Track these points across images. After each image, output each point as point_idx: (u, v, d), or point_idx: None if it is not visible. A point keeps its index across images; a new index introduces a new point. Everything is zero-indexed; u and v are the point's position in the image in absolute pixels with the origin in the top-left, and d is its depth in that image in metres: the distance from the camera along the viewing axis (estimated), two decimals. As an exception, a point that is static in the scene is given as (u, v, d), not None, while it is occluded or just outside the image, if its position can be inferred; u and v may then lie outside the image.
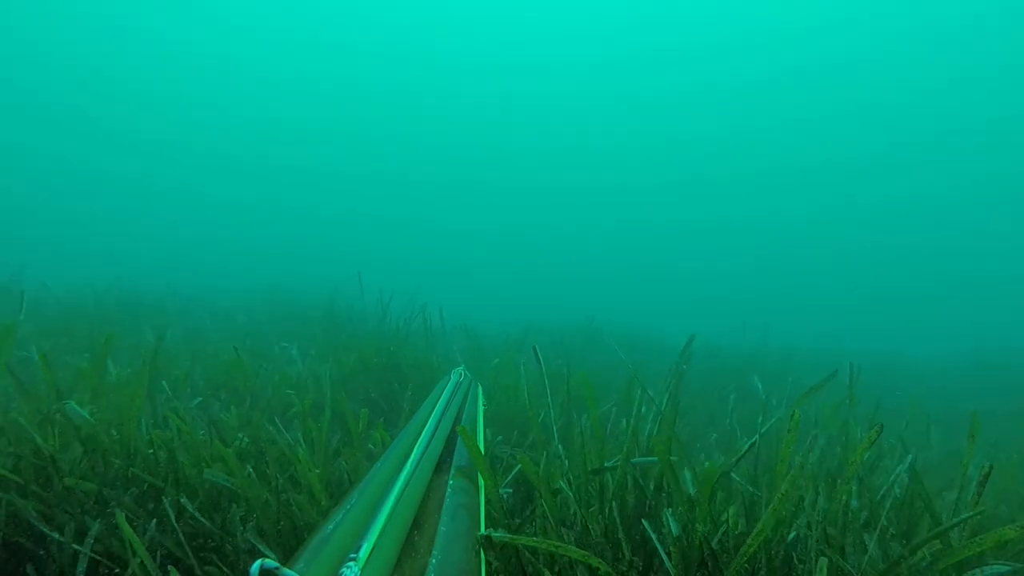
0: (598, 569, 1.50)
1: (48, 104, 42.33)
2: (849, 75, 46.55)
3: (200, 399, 3.90)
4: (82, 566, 1.84)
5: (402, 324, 6.71)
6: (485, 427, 3.71)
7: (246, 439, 2.81)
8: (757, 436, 2.41)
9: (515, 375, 4.70)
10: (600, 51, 52.21)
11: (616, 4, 51.42)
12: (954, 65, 44.24)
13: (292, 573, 0.77)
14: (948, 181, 44.23)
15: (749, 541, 1.58)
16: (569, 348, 7.78)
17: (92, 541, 1.88)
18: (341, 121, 51.03)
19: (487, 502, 1.63)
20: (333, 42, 52.28)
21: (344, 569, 0.85)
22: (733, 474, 2.55)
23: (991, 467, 1.81)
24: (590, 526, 1.97)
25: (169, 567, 1.71)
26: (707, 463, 1.66)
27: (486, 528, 1.38)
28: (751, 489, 2.41)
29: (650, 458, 2.21)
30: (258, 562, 0.75)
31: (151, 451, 2.40)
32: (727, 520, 1.99)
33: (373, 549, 0.95)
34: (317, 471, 2.25)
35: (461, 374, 2.62)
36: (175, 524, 1.98)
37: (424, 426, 1.68)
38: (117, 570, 1.99)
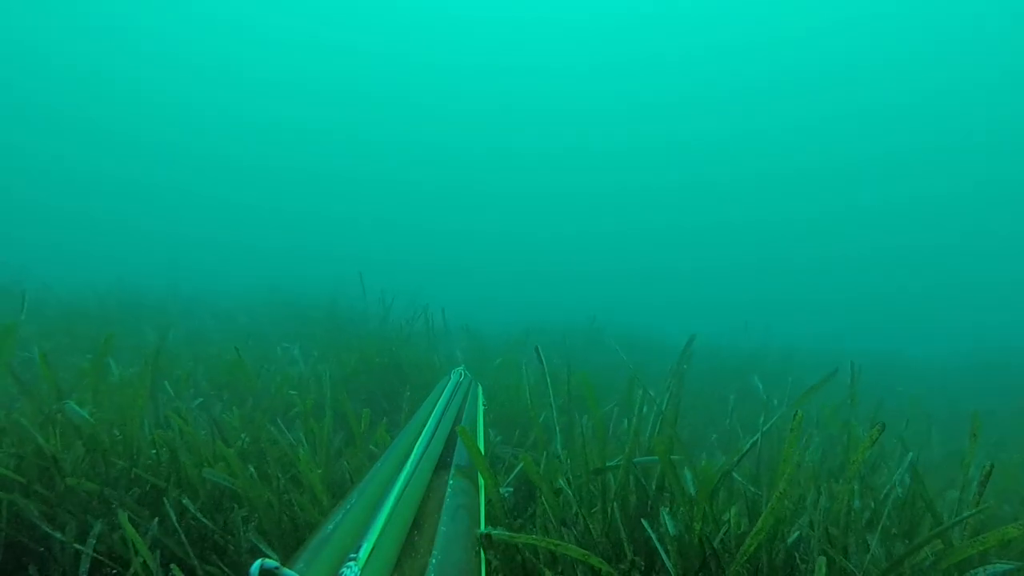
0: (599, 569, 1.50)
1: (49, 107, 42.42)
2: (849, 78, 46.57)
3: (201, 399, 3.91)
4: (85, 566, 1.84)
5: (404, 324, 6.71)
6: (487, 427, 3.71)
7: (248, 439, 2.81)
8: (759, 435, 2.40)
9: (517, 375, 4.70)
10: (602, 53, 52.27)
11: (617, 7, 51.45)
12: (953, 68, 44.26)
13: (292, 573, 0.77)
14: (948, 183, 44.23)
15: (749, 540, 1.58)
16: (571, 348, 7.77)
17: (94, 541, 1.88)
18: (343, 123, 51.11)
19: (487, 502, 1.63)
20: (335, 44, 52.35)
21: (344, 569, 0.86)
22: (735, 474, 2.55)
23: (992, 466, 1.81)
24: (591, 526, 1.97)
25: (172, 565, 1.71)
26: (703, 462, 1.66)
27: (486, 527, 1.38)
28: (753, 489, 2.41)
29: (651, 458, 2.21)
30: (258, 562, 0.75)
31: (154, 451, 2.40)
32: (729, 520, 1.99)
33: (373, 549, 0.95)
34: (319, 471, 2.25)
35: (461, 374, 2.62)
36: (177, 526, 1.98)
37: (424, 426, 1.68)
38: (117, 569, 1.99)
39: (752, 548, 1.58)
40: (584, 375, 2.51)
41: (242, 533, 2.05)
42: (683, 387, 2.52)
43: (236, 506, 2.20)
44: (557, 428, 2.68)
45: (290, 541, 2.14)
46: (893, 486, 2.26)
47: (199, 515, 2.09)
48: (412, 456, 1.42)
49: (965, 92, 43.87)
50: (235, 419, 3.17)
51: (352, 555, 0.90)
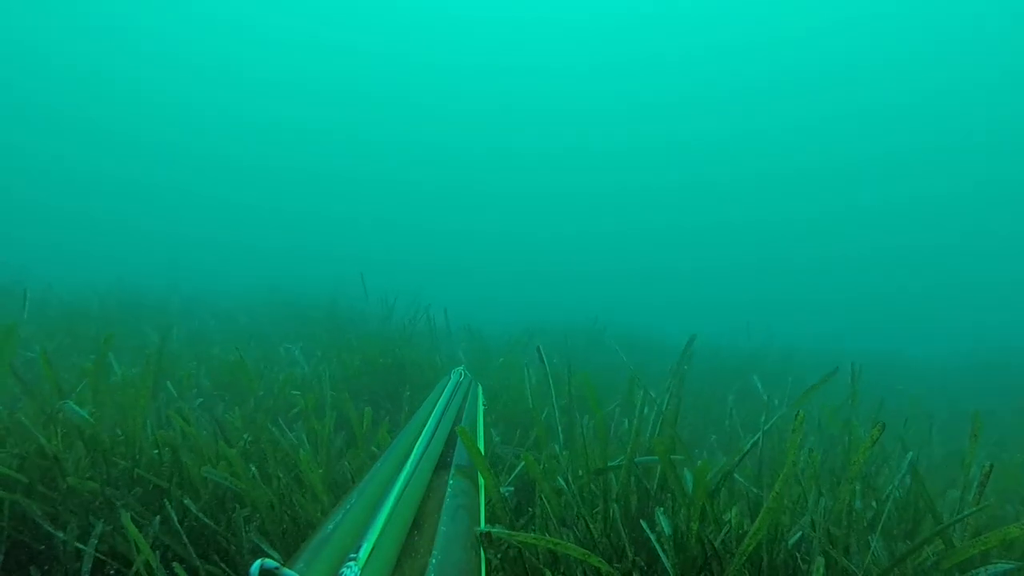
0: (600, 569, 1.50)
1: (49, 107, 42.45)
2: (849, 78, 46.58)
3: (204, 400, 3.91)
4: (87, 565, 1.84)
5: (406, 324, 6.72)
6: (489, 427, 3.71)
7: (250, 439, 2.81)
8: (759, 435, 2.40)
9: (519, 375, 4.70)
10: (602, 53, 52.26)
11: (617, 7, 51.45)
12: (952, 68, 44.24)
13: (292, 573, 0.77)
14: (948, 183, 44.24)
15: (747, 540, 1.58)
16: (572, 349, 7.78)
17: (96, 541, 1.89)
18: (343, 123, 51.13)
19: (488, 502, 1.63)
20: (335, 44, 52.36)
21: (344, 569, 0.86)
22: (737, 476, 2.55)
23: (991, 467, 1.81)
24: (591, 526, 1.97)
25: (174, 563, 1.71)
26: (700, 462, 1.66)
27: (486, 526, 1.38)
28: (755, 490, 2.41)
29: (651, 458, 2.21)
30: (258, 562, 0.75)
31: (156, 451, 2.40)
32: (730, 520, 1.99)
33: (373, 549, 0.95)
34: (320, 471, 2.25)
35: (461, 373, 2.62)
36: (178, 526, 1.98)
37: (424, 426, 1.68)
38: (116, 566, 1.99)
39: (751, 548, 1.58)
40: (585, 376, 2.51)
41: (244, 533, 2.05)
42: (684, 387, 2.52)
43: (238, 506, 2.20)
44: (560, 428, 2.68)
45: (292, 541, 2.14)
46: (895, 487, 2.26)
47: (201, 515, 2.09)
48: (412, 456, 1.42)
49: (964, 92, 43.88)
50: (237, 419, 3.17)
51: (352, 555, 0.90)
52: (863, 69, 46.23)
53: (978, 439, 2.08)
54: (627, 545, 1.94)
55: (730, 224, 43.91)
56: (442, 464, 1.61)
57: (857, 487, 2.20)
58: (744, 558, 1.59)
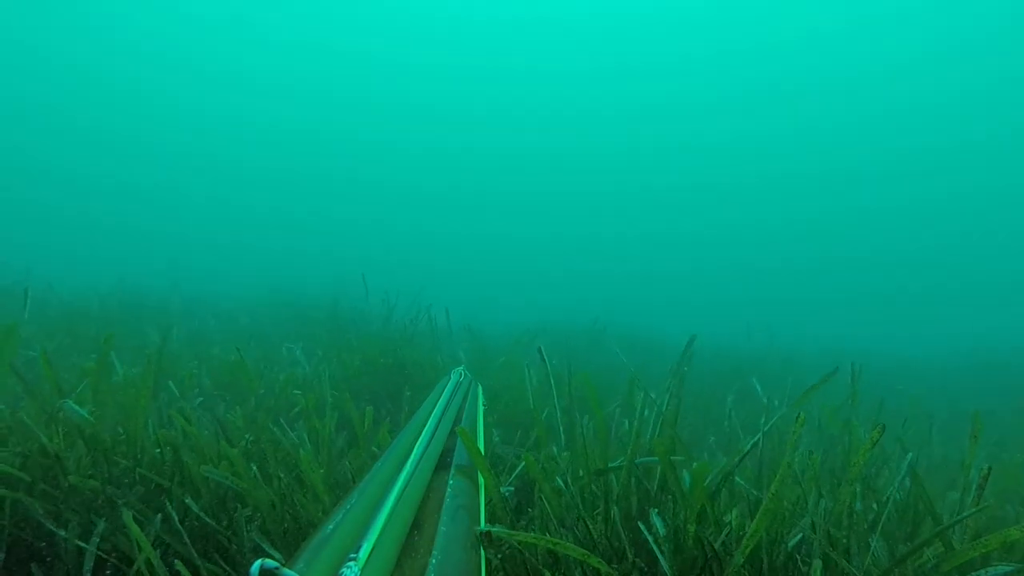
0: (599, 570, 1.50)
1: (52, 110, 42.48)
2: (851, 81, 46.61)
3: (204, 399, 3.92)
4: (89, 564, 1.85)
5: (408, 325, 6.73)
6: (491, 427, 3.72)
7: (252, 439, 2.82)
8: (759, 436, 2.40)
9: (519, 375, 4.71)
10: (605, 56, 52.28)
11: (620, 10, 51.46)
12: (954, 71, 44.24)
13: (292, 573, 0.77)
14: (949, 185, 44.25)
15: (745, 541, 1.58)
16: (573, 349, 7.78)
17: (98, 539, 1.89)
18: (347, 126, 51.16)
19: (488, 502, 1.63)
20: (338, 47, 52.39)
21: (344, 569, 0.86)
22: (738, 478, 2.54)
23: (990, 469, 1.81)
24: (591, 527, 1.97)
25: (175, 561, 1.72)
26: (695, 464, 1.66)
27: (486, 526, 1.39)
28: (756, 493, 2.41)
29: (651, 458, 2.21)
30: (258, 562, 0.75)
31: (157, 450, 2.41)
32: (731, 522, 1.99)
33: (373, 549, 0.96)
34: (321, 471, 2.25)
35: (461, 374, 2.62)
36: (179, 526, 1.99)
37: (424, 426, 1.69)
38: (121, 567, 2.00)
39: (749, 549, 1.58)
40: (586, 376, 2.51)
41: (245, 533, 2.05)
42: (684, 388, 2.52)
43: (240, 506, 2.21)
44: (561, 429, 2.68)
45: (293, 540, 2.14)
46: (895, 488, 2.26)
47: (202, 515, 2.10)
48: (412, 456, 1.42)
49: (965, 95, 43.86)
50: (239, 419, 3.18)
51: (352, 555, 0.90)
52: (865, 72, 46.28)
53: (978, 440, 2.08)
54: (627, 547, 1.94)
55: (732, 225, 43.92)
56: (442, 464, 1.61)
57: (857, 488, 2.20)
58: (743, 560, 1.59)
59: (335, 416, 2.81)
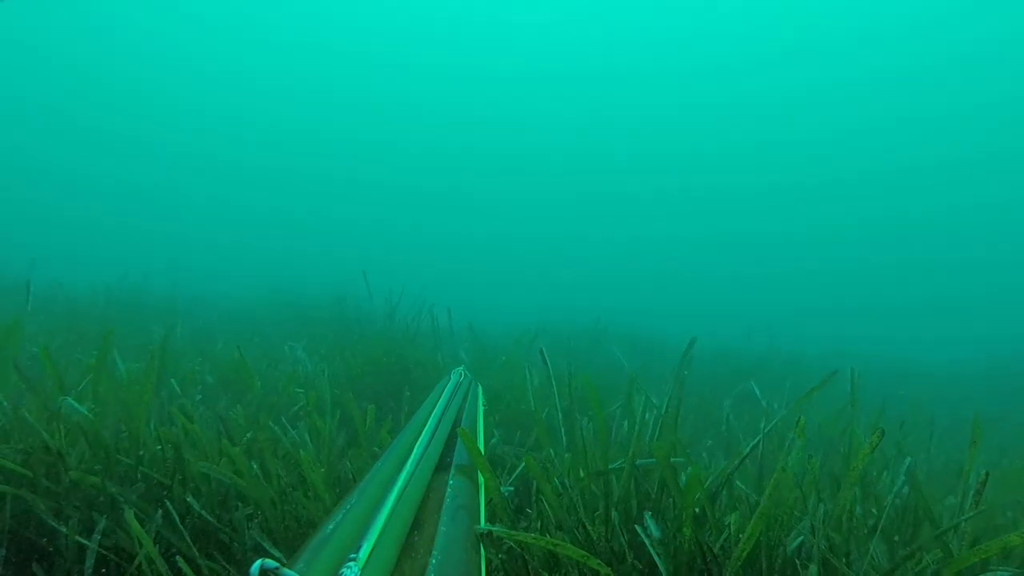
0: (598, 572, 1.51)
1: (52, 111, 42.56)
2: (860, 90, 46.61)
3: (207, 397, 3.93)
4: (90, 560, 1.86)
5: (411, 324, 6.74)
6: (492, 429, 3.72)
7: (253, 437, 2.83)
8: (759, 438, 2.41)
9: (521, 375, 4.71)
10: (611, 60, 52.26)
11: (625, 14, 51.49)
12: (967, 80, 44.19)
13: (292, 573, 0.78)
14: (953, 190, 44.30)
15: (741, 544, 1.58)
16: (575, 349, 7.79)
17: (99, 536, 1.90)
18: (351, 126, 51.17)
19: (488, 502, 1.64)
20: (341, 47, 52.43)
21: (344, 569, 0.86)
22: (738, 482, 2.55)
23: (987, 474, 1.82)
24: (590, 528, 1.97)
25: (177, 557, 1.73)
26: (690, 468, 1.67)
27: (486, 525, 1.39)
28: (756, 497, 2.41)
29: (650, 460, 2.21)
30: (258, 562, 0.76)
31: (159, 447, 2.42)
32: (730, 525, 1.99)
33: (373, 549, 0.96)
34: (322, 470, 2.26)
35: (461, 374, 2.62)
36: (180, 524, 1.99)
37: (424, 426, 1.69)
38: (114, 558, 2.01)
39: (745, 552, 1.58)
40: (587, 378, 2.52)
41: (247, 531, 2.06)
42: (685, 390, 2.52)
43: (241, 504, 2.22)
44: (563, 431, 2.69)
45: (293, 538, 2.15)
46: (895, 493, 2.26)
47: (203, 513, 2.10)
48: (412, 456, 1.42)
49: (976, 104, 43.83)
50: (240, 416, 3.18)
51: (352, 555, 0.91)
52: (874, 81, 46.29)
53: (978, 446, 2.08)
54: (626, 549, 1.95)
55: (735, 228, 43.84)
56: (442, 464, 1.61)
57: (857, 492, 2.21)
58: (739, 563, 1.59)
59: (337, 414, 2.82)
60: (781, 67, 49.42)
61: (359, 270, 7.22)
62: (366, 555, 0.93)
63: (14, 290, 6.97)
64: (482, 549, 1.29)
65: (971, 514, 1.78)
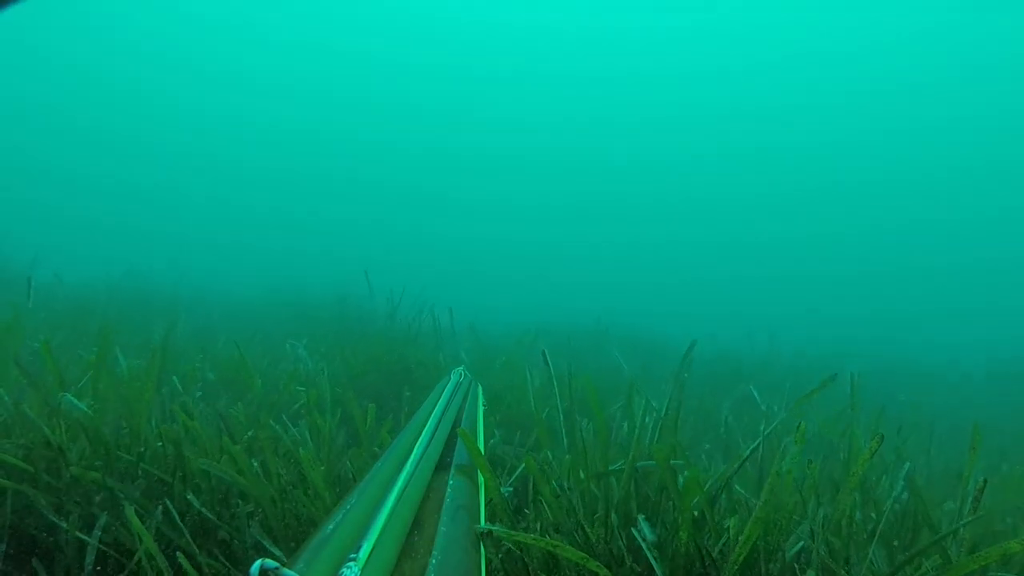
0: (597, 573, 1.51)
1: (50, 109, 42.58)
2: (864, 95, 46.61)
3: (204, 393, 3.93)
4: (91, 556, 1.86)
5: (412, 324, 6.74)
6: (493, 429, 3.72)
7: (253, 435, 2.83)
8: (759, 441, 2.41)
9: (521, 375, 4.72)
10: (616, 63, 52.26)
11: (631, 17, 51.49)
12: (977, 87, 44.16)
13: (292, 573, 0.78)
14: (955, 195, 44.29)
15: (738, 548, 1.58)
16: (577, 350, 7.79)
17: (100, 532, 1.91)
18: (348, 126, 51.12)
19: (488, 502, 1.64)
20: (344, 48, 52.42)
21: (344, 569, 0.86)
22: (737, 486, 2.54)
23: (986, 481, 1.82)
24: (588, 530, 1.97)
25: (177, 553, 1.73)
26: (687, 471, 1.67)
27: (486, 525, 1.39)
28: (756, 500, 2.41)
29: (649, 462, 2.21)
30: (258, 562, 0.76)
31: (160, 444, 2.42)
32: (729, 528, 1.99)
33: (373, 549, 0.96)
34: (322, 469, 2.26)
35: (461, 374, 2.62)
36: (179, 522, 2.00)
37: (424, 426, 1.69)
38: (114, 553, 2.01)
39: (742, 556, 1.58)
40: (588, 379, 2.52)
41: (247, 529, 2.07)
42: (686, 392, 2.52)
43: (241, 502, 2.22)
44: (564, 432, 2.69)
45: (293, 536, 2.16)
46: (894, 498, 2.26)
47: (204, 510, 2.11)
48: (412, 456, 1.42)
49: (977, 110, 43.82)
50: (241, 414, 3.19)
51: (352, 555, 0.91)
52: (883, 88, 46.32)
53: (978, 451, 2.08)
54: (625, 552, 1.95)
55: (742, 232, 43.78)
56: (442, 464, 1.61)
57: (857, 497, 2.21)
58: (737, 567, 1.60)
59: (338, 413, 2.82)
60: (785, 70, 49.43)
61: (360, 270, 7.22)
62: (366, 555, 0.93)
63: (16, 288, 6.98)
64: (482, 549, 1.30)
65: (969, 520, 1.78)
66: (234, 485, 2.25)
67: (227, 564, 2.02)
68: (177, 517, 2.01)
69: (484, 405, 2.50)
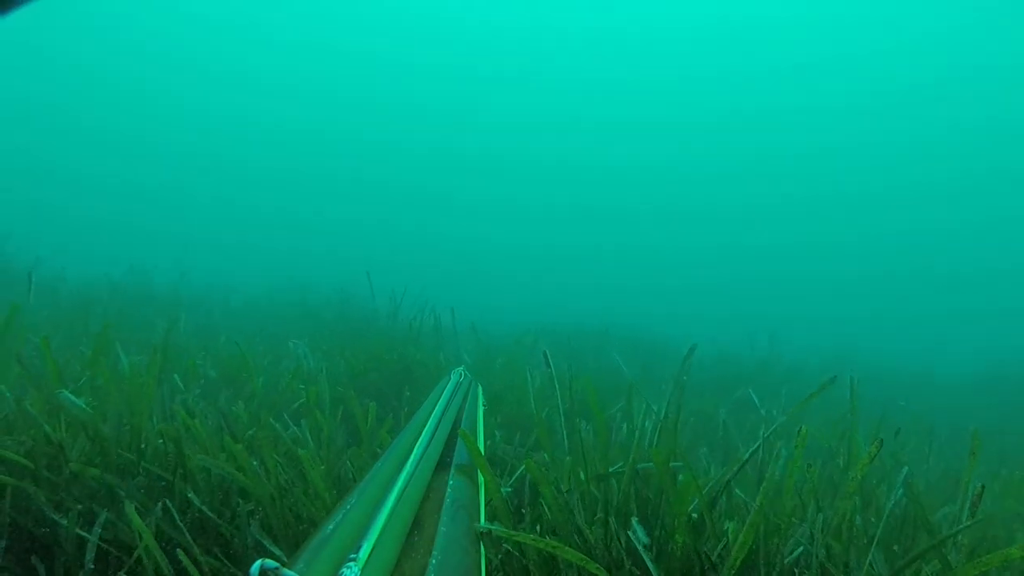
0: (595, 575, 1.51)
1: (54, 110, 42.65)
2: (873, 103, 46.68)
3: (205, 391, 3.94)
4: (91, 554, 1.87)
5: (413, 324, 6.75)
6: (494, 430, 3.73)
7: (254, 434, 2.84)
8: (758, 444, 2.41)
9: (523, 376, 4.72)
10: (622, 68, 52.26)
11: (636, 21, 51.55)
12: (993, 99, 44.14)
13: (292, 573, 0.78)
14: (958, 199, 44.28)
15: (735, 553, 1.58)
16: (578, 351, 7.80)
17: (100, 529, 1.91)
18: (353, 126, 51.15)
19: (488, 502, 1.64)
20: (347, 48, 52.46)
21: (344, 569, 0.87)
22: (737, 490, 2.54)
23: (983, 486, 1.82)
24: (588, 532, 1.97)
25: (178, 550, 1.74)
26: (681, 476, 1.67)
27: (486, 524, 1.40)
28: (754, 505, 2.41)
29: (648, 464, 2.22)
30: (258, 562, 0.76)
31: (161, 441, 2.42)
32: (727, 532, 1.99)
33: (373, 549, 0.96)
34: (322, 468, 2.27)
35: (461, 374, 2.63)
36: (179, 520, 2.00)
37: (424, 426, 1.70)
38: (114, 551, 2.02)
39: (739, 560, 1.58)
40: (588, 380, 2.52)
41: (248, 527, 2.07)
42: (685, 395, 2.52)
43: (241, 500, 2.22)
44: (564, 434, 2.69)
45: (293, 534, 2.16)
46: (894, 503, 2.25)
47: (204, 509, 2.11)
48: (412, 456, 1.43)
49: (980, 118, 43.81)
50: (242, 412, 3.20)
51: (352, 555, 0.91)
52: (897, 95, 46.32)
53: (977, 456, 2.08)
54: (624, 555, 1.95)
55: (744, 236, 43.75)
56: (442, 464, 1.62)
57: (857, 501, 2.20)
58: (734, 571, 1.60)
59: (339, 411, 2.82)
60: (787, 75, 49.42)
61: (363, 270, 7.23)
62: (366, 555, 0.93)
63: (19, 287, 7.00)
64: (482, 549, 1.30)
65: (967, 524, 1.78)
66: (234, 483, 2.25)
67: (226, 562, 2.03)
68: (177, 515, 2.02)
69: (484, 405, 2.50)
